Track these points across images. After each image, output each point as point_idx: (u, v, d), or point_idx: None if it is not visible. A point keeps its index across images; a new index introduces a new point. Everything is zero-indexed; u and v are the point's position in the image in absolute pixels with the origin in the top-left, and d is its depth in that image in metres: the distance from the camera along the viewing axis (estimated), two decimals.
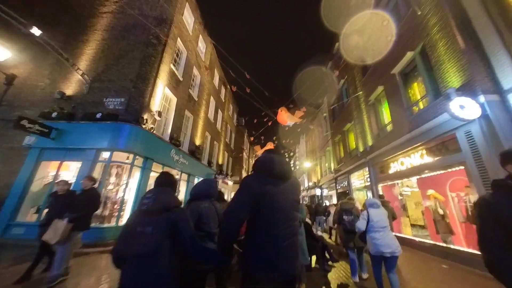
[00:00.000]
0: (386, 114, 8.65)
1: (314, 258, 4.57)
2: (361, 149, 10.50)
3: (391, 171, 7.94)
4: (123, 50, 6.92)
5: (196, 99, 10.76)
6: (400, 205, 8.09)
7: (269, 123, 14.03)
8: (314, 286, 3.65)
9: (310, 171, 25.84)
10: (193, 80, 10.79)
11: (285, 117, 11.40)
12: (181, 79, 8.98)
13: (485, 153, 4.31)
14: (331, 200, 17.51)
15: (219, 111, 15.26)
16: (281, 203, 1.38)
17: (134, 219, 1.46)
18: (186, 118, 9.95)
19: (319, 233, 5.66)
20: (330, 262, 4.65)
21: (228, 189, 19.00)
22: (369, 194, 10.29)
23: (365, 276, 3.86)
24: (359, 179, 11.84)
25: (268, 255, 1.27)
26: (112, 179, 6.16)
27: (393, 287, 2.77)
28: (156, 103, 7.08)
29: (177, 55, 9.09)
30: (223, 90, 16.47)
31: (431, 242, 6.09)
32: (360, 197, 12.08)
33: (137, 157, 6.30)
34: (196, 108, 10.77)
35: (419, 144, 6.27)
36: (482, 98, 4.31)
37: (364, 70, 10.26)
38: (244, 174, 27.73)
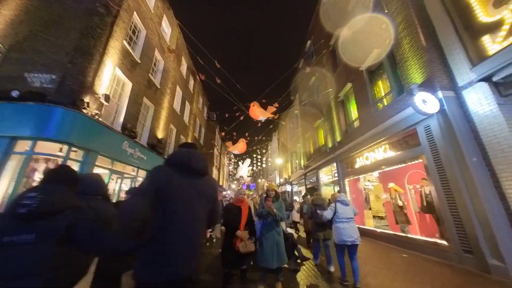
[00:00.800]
0: (353, 111, 8.92)
1: None
2: (330, 145, 10.76)
3: (357, 166, 8.21)
4: (57, 15, 5.51)
5: (159, 87, 9.56)
6: (363, 199, 8.46)
7: (241, 118, 13.50)
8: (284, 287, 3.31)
9: (282, 168, 26.23)
10: (155, 64, 9.54)
11: (257, 112, 11.02)
12: (138, 61, 7.76)
13: (441, 146, 4.54)
14: (300, 196, 17.94)
15: (187, 103, 14.08)
16: (188, 200, 1.29)
17: None
18: (145, 106, 8.73)
19: (289, 229, 5.37)
20: (299, 261, 4.39)
21: None
22: (336, 188, 10.63)
23: (332, 269, 4.02)
24: (327, 175, 12.20)
25: (159, 256, 1.15)
26: (38, 176, 4.86)
27: (354, 271, 3.24)
28: (103, 85, 5.88)
29: (134, 33, 7.82)
30: (191, 81, 15.26)
31: (391, 232, 6.39)
32: (327, 192, 12.48)
33: (74, 149, 5.10)
34: (158, 97, 9.57)
35: (383, 139, 6.50)
36: (440, 94, 4.52)
37: (334, 68, 10.47)
38: (215, 172, 26.68)
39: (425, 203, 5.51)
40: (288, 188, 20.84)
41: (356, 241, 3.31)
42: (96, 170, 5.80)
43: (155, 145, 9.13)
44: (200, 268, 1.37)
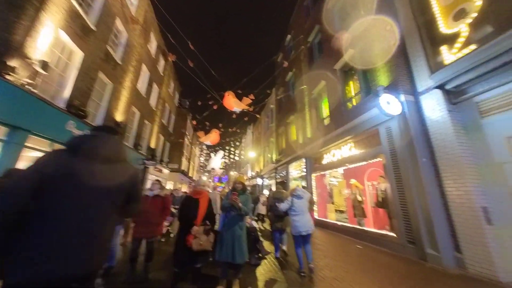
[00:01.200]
0: (325, 109, 9.18)
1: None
2: (301, 140, 10.98)
3: (324, 162, 8.52)
4: None
5: (120, 63, 8.38)
6: (328, 193, 8.90)
7: (215, 107, 12.90)
8: (243, 282, 3.16)
9: (254, 161, 26.32)
10: (115, 36, 8.30)
11: (231, 102, 10.60)
12: (93, 27, 6.59)
13: (399, 146, 4.87)
14: (271, 189, 18.27)
15: (155, 85, 12.81)
16: (81, 189, 1.12)
17: None
18: (101, 83, 7.57)
19: (254, 223, 5.25)
20: (260, 255, 4.31)
21: (164, 178, 16.80)
22: (304, 183, 11.00)
23: (284, 247, 4.74)
24: (296, 170, 12.53)
25: (34, 252, 0.99)
26: None
27: (307, 253, 3.62)
28: (39, 49, 4.79)
29: None
30: (162, 62, 13.90)
31: (350, 225, 6.82)
32: (295, 187, 12.88)
33: None
34: (119, 74, 8.41)
35: (349, 137, 6.79)
36: (402, 97, 4.80)
37: (310, 65, 10.58)
38: (184, 162, 25.44)
39: (380, 199, 5.96)
40: (259, 181, 21.03)
41: (309, 230, 3.67)
42: (28, 153, 4.79)
43: (112, 129, 8.05)
44: (99, 265, 1.21)
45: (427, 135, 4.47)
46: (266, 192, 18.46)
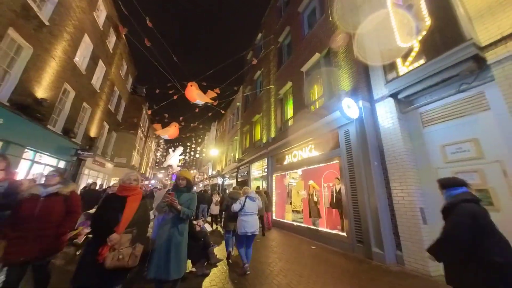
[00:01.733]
0: (290, 110, 9.24)
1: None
2: (264, 140, 10.85)
3: (285, 163, 8.52)
4: None
5: (46, 23, 6.57)
6: (286, 193, 8.95)
7: (175, 97, 11.66)
8: None
9: (216, 160, 25.31)
10: None
11: (194, 94, 9.67)
12: None
13: (355, 149, 5.07)
14: (230, 189, 17.73)
15: (101, 63, 10.74)
16: None
17: None
18: (11, 43, 5.77)
19: (206, 226, 4.69)
20: (210, 262, 3.79)
21: (106, 174, 14.36)
22: (265, 184, 10.90)
23: (233, 251, 4.51)
24: (258, 170, 12.37)
25: None
26: None
27: (248, 255, 3.76)
28: None
29: None
30: (112, 38, 11.81)
31: (305, 225, 6.90)
32: (254, 187, 12.70)
33: None
34: (44, 38, 6.58)
35: (310, 139, 6.88)
36: (360, 103, 5.02)
37: (279, 65, 10.57)
38: (135, 157, 22.59)
39: (334, 200, 6.17)
40: (219, 180, 20.23)
41: (255, 232, 3.79)
42: None
43: (28, 106, 6.24)
44: None
45: (379, 140, 4.75)
46: (226, 191, 17.84)
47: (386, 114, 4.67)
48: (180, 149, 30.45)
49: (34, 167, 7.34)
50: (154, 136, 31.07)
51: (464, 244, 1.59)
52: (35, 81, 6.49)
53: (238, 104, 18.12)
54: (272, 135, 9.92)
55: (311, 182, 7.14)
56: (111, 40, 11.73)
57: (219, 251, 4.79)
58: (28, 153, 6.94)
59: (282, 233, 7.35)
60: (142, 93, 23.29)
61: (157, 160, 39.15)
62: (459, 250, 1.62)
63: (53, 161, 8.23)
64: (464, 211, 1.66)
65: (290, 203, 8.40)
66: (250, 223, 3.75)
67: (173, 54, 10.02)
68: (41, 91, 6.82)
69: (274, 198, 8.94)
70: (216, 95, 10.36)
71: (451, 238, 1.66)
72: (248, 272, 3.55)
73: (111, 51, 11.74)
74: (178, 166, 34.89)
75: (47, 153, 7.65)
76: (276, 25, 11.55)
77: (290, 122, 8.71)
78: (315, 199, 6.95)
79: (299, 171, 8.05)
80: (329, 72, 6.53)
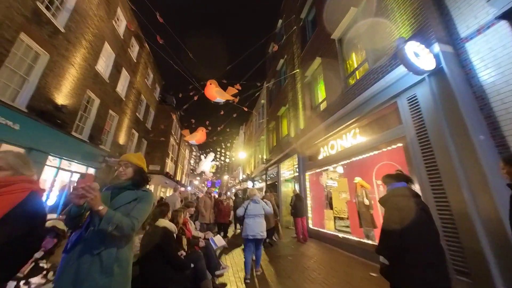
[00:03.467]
0: (320, 92, 7.58)
1: None
2: (292, 134, 9.33)
3: (320, 157, 6.84)
4: None
5: (62, 30, 6.61)
6: (324, 196, 7.19)
7: (195, 98, 11.17)
8: None
9: (245, 163, 24.54)
10: None
11: (213, 92, 8.94)
12: None
13: (432, 122, 3.22)
14: (262, 192, 16.45)
15: (125, 71, 11.02)
16: None
17: None
18: (26, 49, 5.79)
19: (218, 239, 3.49)
20: None
21: None
22: (297, 186, 9.36)
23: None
24: (288, 169, 10.85)
25: None
26: None
27: (257, 258, 3.76)
28: None
29: None
30: (135, 47, 12.19)
31: (354, 238, 5.08)
32: (287, 190, 11.14)
33: None
34: (60, 44, 6.63)
35: (352, 121, 5.14)
36: (436, 47, 3.19)
37: (303, 45, 9.04)
38: (169, 164, 23.46)
39: None
40: (249, 184, 19.20)
41: (257, 235, 3.55)
42: None
43: (47, 112, 6.23)
44: None
45: (482, 98, 2.84)
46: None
47: (495, 53, 2.75)
48: (211, 155, 30.50)
49: (61, 174, 7.44)
50: (186, 144, 32.32)
51: (396, 239, 1.65)
52: (54, 87, 6.52)
53: (262, 101, 17.00)
54: (301, 126, 8.34)
55: (357, 179, 5.34)
56: (134, 49, 12.08)
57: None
58: (55, 161, 7.02)
59: (322, 248, 5.66)
60: (171, 102, 24.34)
61: (192, 168, 40.71)
62: (394, 245, 1.67)
63: (82, 168, 8.36)
64: (392, 205, 1.79)
65: (331, 208, 6.64)
66: (251, 226, 3.61)
67: (188, 50, 9.50)
68: (62, 98, 6.87)
69: (309, 201, 7.28)
70: (237, 91, 9.43)
71: (385, 234, 1.75)
72: (248, 281, 3.35)
73: (135, 60, 12.06)
74: (210, 172, 35.56)
75: (74, 160, 7.73)
76: (297, 3, 10.10)
77: (322, 106, 7.04)
78: (366, 201, 5.11)
79: (340, 167, 6.29)
80: (373, 25, 4.76)
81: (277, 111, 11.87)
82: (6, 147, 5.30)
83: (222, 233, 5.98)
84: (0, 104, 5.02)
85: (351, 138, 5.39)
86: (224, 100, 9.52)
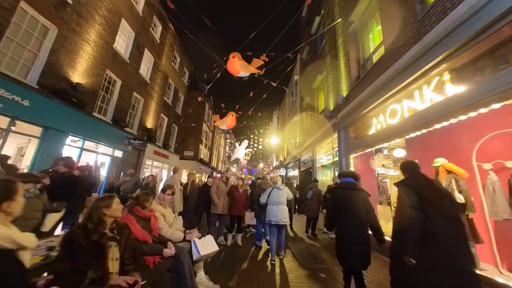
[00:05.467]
0: (373, 39, 5.30)
1: None
2: (331, 107, 7.28)
3: (371, 131, 4.79)
4: None
5: (69, 1, 6.24)
6: (378, 186, 5.13)
7: (218, 75, 10.10)
8: None
9: (278, 150, 23.00)
10: None
11: (237, 66, 7.65)
12: None
13: None
14: (296, 181, 14.75)
15: (148, 52, 10.67)
16: None
17: None
18: (30, 20, 5.50)
19: (207, 240, 2.18)
20: None
21: (172, 166, 15.09)
22: (336, 174, 7.46)
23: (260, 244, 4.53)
24: (326, 154, 8.89)
25: None
26: None
27: (280, 243, 3.88)
28: None
29: None
30: (158, 27, 11.74)
31: None
32: (325, 179, 9.22)
33: None
34: (67, 16, 6.23)
35: (437, 60, 3.00)
36: None
37: None
38: (203, 150, 23.89)
39: None
40: (282, 172, 17.71)
41: (280, 222, 3.68)
42: None
43: (61, 90, 6.04)
44: None
45: None
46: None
47: None
48: (245, 142, 29.94)
49: (87, 155, 7.52)
50: (220, 131, 32.67)
51: (333, 220, 2.49)
52: (67, 65, 6.30)
53: (296, 77, 14.82)
54: (344, 92, 6.24)
55: (440, 161, 3.22)
56: (157, 29, 11.64)
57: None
58: (78, 142, 7.04)
59: (383, 263, 3.83)
60: (203, 89, 24.30)
61: (228, 155, 41.56)
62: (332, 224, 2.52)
63: (108, 150, 8.43)
64: (331, 195, 2.71)
65: (389, 204, 4.63)
66: (275, 212, 3.71)
67: (206, 19, 8.28)
68: (77, 76, 6.67)
69: None
70: (263, 62, 7.88)
71: (328, 214, 2.63)
72: (274, 262, 3.56)
73: (158, 41, 11.65)
74: (245, 159, 35.44)
75: (99, 142, 7.73)
76: None
77: (376, 57, 4.83)
78: (459, 198, 3.01)
79: (398, 146, 4.17)
80: None
81: (312, 83, 9.75)
82: (21, 124, 5.24)
83: (235, 230, 4.80)
84: (8, 80, 4.84)
85: (430, 93, 3.25)
86: (248, 74, 8.13)
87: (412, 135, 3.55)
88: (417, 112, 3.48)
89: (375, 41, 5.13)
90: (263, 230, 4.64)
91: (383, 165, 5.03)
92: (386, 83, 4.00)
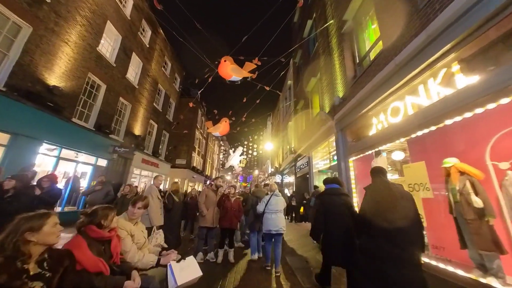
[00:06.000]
0: (368, 37, 5.11)
1: None
2: (327, 109, 7.01)
3: (371, 132, 4.49)
4: None
5: (48, 0, 5.83)
6: None
7: (210, 79, 9.78)
8: None
9: (273, 156, 22.63)
10: None
11: (228, 70, 7.37)
12: None
13: None
14: (290, 189, 14.31)
15: (135, 56, 10.28)
16: None
17: None
18: (0, 18, 5.04)
19: (185, 266, 1.68)
20: None
21: (163, 174, 14.37)
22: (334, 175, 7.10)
23: (258, 256, 4.31)
24: (323, 158, 8.58)
25: None
26: None
27: (276, 257, 3.58)
28: None
29: None
30: (147, 32, 11.43)
31: (461, 273, 2.72)
32: (321, 184, 8.84)
33: None
34: (44, 15, 5.80)
35: (444, 50, 2.74)
36: None
37: None
38: (196, 158, 23.22)
39: None
40: (277, 178, 17.26)
41: (280, 230, 3.59)
42: None
43: (33, 93, 5.51)
44: None
45: None
46: (287, 191, 14.68)
47: None
48: (240, 149, 29.44)
49: (65, 164, 6.89)
50: (214, 138, 32.10)
51: (320, 228, 2.68)
52: (43, 66, 5.81)
53: (289, 82, 14.71)
54: (340, 93, 5.99)
55: (451, 161, 2.90)
56: (146, 34, 11.32)
57: None
58: (54, 150, 6.43)
59: None
60: (196, 95, 23.96)
61: (222, 162, 40.78)
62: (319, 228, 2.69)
63: (90, 159, 7.81)
64: (316, 202, 3.21)
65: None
66: (274, 221, 3.61)
67: (195, 21, 8.03)
68: (55, 79, 6.17)
69: (355, 200, 4.99)
70: (255, 66, 7.66)
71: (314, 222, 2.83)
72: (269, 268, 3.63)
73: (147, 45, 11.30)
74: (240, 166, 34.80)
75: (79, 150, 7.12)
76: None
77: (374, 54, 4.61)
78: (476, 201, 2.67)
79: (402, 147, 3.87)
80: None
81: (306, 85, 9.56)
82: None
83: (226, 245, 4.28)
84: None
85: (437, 86, 2.97)
86: (240, 78, 7.86)
87: (419, 133, 3.23)
88: (422, 108, 3.19)
89: (371, 38, 4.94)
90: (262, 242, 4.48)
91: (390, 164, 4.71)
92: (387, 79, 3.73)
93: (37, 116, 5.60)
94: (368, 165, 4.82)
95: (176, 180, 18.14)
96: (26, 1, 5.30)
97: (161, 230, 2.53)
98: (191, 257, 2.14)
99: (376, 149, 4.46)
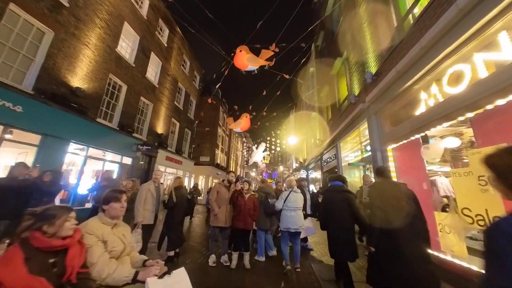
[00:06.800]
0: None
1: None
2: (356, 91, 6.00)
3: (419, 110, 3.49)
4: None
5: (66, 4, 6.05)
6: (430, 188, 3.72)
7: (226, 72, 9.45)
8: None
9: (298, 151, 21.59)
10: None
11: (244, 60, 6.99)
12: None
13: None
14: (316, 184, 13.30)
15: (154, 56, 10.45)
16: None
17: None
18: (26, 26, 5.31)
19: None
20: None
21: (187, 171, 14.72)
22: (367, 172, 6.17)
23: (273, 252, 4.23)
24: (352, 150, 7.55)
25: None
26: None
27: (296, 254, 3.53)
28: None
29: None
30: (165, 31, 11.56)
31: None
32: (352, 179, 7.79)
33: None
34: (65, 19, 6.02)
35: None
36: None
37: None
38: (220, 155, 23.48)
39: None
40: (303, 174, 16.31)
41: (299, 229, 3.51)
42: None
43: (58, 95, 5.78)
44: None
45: None
46: (313, 188, 13.75)
47: None
48: (262, 146, 28.92)
49: (93, 163, 7.24)
50: (237, 135, 32.20)
51: (325, 220, 2.90)
52: (65, 69, 6.08)
53: (311, 69, 13.58)
54: (373, 69, 4.98)
55: None
56: (164, 33, 11.46)
57: None
58: (83, 149, 6.76)
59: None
60: (216, 93, 24.09)
61: (246, 159, 40.91)
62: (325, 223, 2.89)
63: (116, 157, 8.14)
64: (322, 198, 3.13)
65: (445, 208, 3.24)
66: (294, 219, 3.49)
67: (208, 12, 7.74)
68: (77, 81, 6.44)
69: None
70: (273, 53, 7.09)
71: (320, 216, 3.09)
72: (298, 269, 3.47)
73: (166, 45, 11.45)
74: (263, 163, 34.39)
75: (103, 148, 7.43)
76: None
77: (419, 10, 3.56)
78: None
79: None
80: None
81: (331, 69, 8.50)
82: (18, 132, 4.98)
83: (239, 249, 3.80)
84: (7, 87, 4.60)
85: None
86: (257, 67, 7.34)
87: (500, 102, 2.24)
88: (505, 65, 2.20)
89: None
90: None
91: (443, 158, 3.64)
92: (444, 33, 2.75)
93: (63, 117, 5.89)
94: (414, 154, 3.81)
95: (203, 177, 18.50)
96: (47, 6, 5.53)
97: (139, 230, 2.19)
98: (181, 269, 1.67)
99: (423, 134, 3.46)
